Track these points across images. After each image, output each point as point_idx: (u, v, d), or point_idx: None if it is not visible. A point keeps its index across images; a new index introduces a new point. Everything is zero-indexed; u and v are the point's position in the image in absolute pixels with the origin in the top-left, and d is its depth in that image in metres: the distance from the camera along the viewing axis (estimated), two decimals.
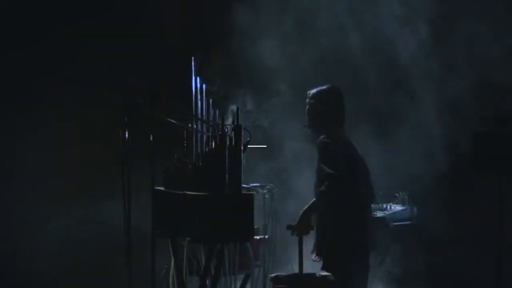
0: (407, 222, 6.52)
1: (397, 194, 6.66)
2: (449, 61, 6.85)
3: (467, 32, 6.80)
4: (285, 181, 6.38)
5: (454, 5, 6.89)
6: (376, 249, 5.78)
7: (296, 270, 5.49)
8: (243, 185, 4.95)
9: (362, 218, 5.55)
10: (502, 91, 6.82)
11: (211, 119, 5.13)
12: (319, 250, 5.59)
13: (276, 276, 5.40)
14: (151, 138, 4.66)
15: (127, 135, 4.75)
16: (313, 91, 5.71)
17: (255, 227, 5.35)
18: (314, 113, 5.70)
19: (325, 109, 5.66)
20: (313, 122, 5.72)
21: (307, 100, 5.74)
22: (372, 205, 6.40)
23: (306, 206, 5.48)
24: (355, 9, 7.07)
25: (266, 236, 5.72)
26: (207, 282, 5.00)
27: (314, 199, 5.49)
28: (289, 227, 5.53)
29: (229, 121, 5.07)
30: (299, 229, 5.49)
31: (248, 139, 5.10)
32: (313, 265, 5.62)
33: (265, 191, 5.78)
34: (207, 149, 4.95)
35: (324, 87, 5.72)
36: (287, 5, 7.07)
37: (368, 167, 5.67)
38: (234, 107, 5.44)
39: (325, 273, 5.35)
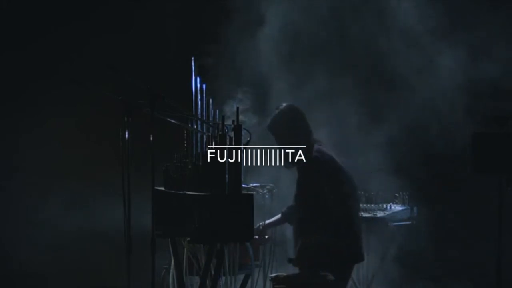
0: (407, 222, 6.51)
1: (397, 194, 6.65)
2: (450, 61, 6.84)
3: (467, 32, 6.80)
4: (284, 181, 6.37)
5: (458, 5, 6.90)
6: (363, 261, 5.69)
7: None
8: (243, 185, 4.95)
9: (350, 231, 5.48)
10: (502, 91, 6.82)
11: (211, 119, 5.13)
12: (300, 263, 5.50)
13: (276, 276, 5.41)
14: (151, 138, 4.66)
15: (127, 135, 4.75)
16: (268, 122, 5.62)
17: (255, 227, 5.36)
18: (283, 139, 5.58)
19: (288, 127, 5.57)
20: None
21: (271, 134, 5.62)
22: (373, 205, 6.41)
23: (302, 241, 5.42)
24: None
25: (266, 236, 5.72)
26: (207, 282, 5.00)
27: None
28: (289, 260, 5.50)
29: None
30: (299, 263, 5.47)
31: (248, 139, 5.10)
32: None
33: (265, 191, 5.78)
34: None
35: (275, 111, 5.62)
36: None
37: (352, 178, 5.58)
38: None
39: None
